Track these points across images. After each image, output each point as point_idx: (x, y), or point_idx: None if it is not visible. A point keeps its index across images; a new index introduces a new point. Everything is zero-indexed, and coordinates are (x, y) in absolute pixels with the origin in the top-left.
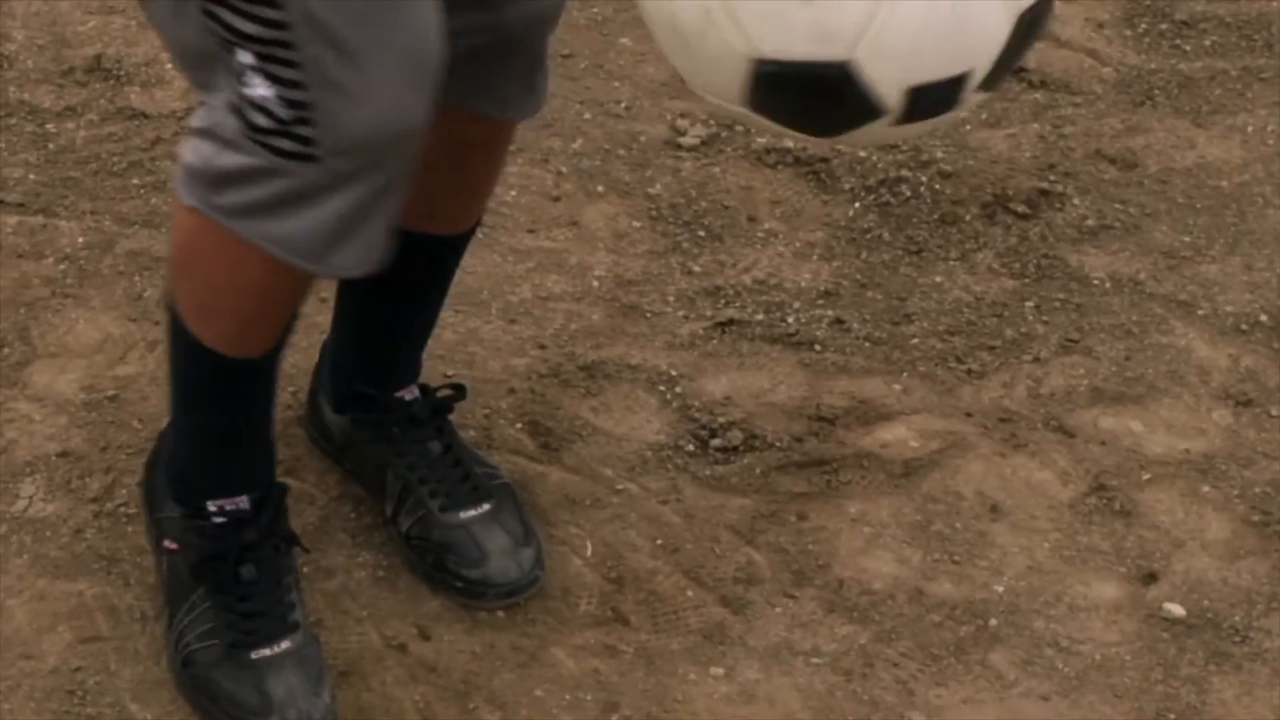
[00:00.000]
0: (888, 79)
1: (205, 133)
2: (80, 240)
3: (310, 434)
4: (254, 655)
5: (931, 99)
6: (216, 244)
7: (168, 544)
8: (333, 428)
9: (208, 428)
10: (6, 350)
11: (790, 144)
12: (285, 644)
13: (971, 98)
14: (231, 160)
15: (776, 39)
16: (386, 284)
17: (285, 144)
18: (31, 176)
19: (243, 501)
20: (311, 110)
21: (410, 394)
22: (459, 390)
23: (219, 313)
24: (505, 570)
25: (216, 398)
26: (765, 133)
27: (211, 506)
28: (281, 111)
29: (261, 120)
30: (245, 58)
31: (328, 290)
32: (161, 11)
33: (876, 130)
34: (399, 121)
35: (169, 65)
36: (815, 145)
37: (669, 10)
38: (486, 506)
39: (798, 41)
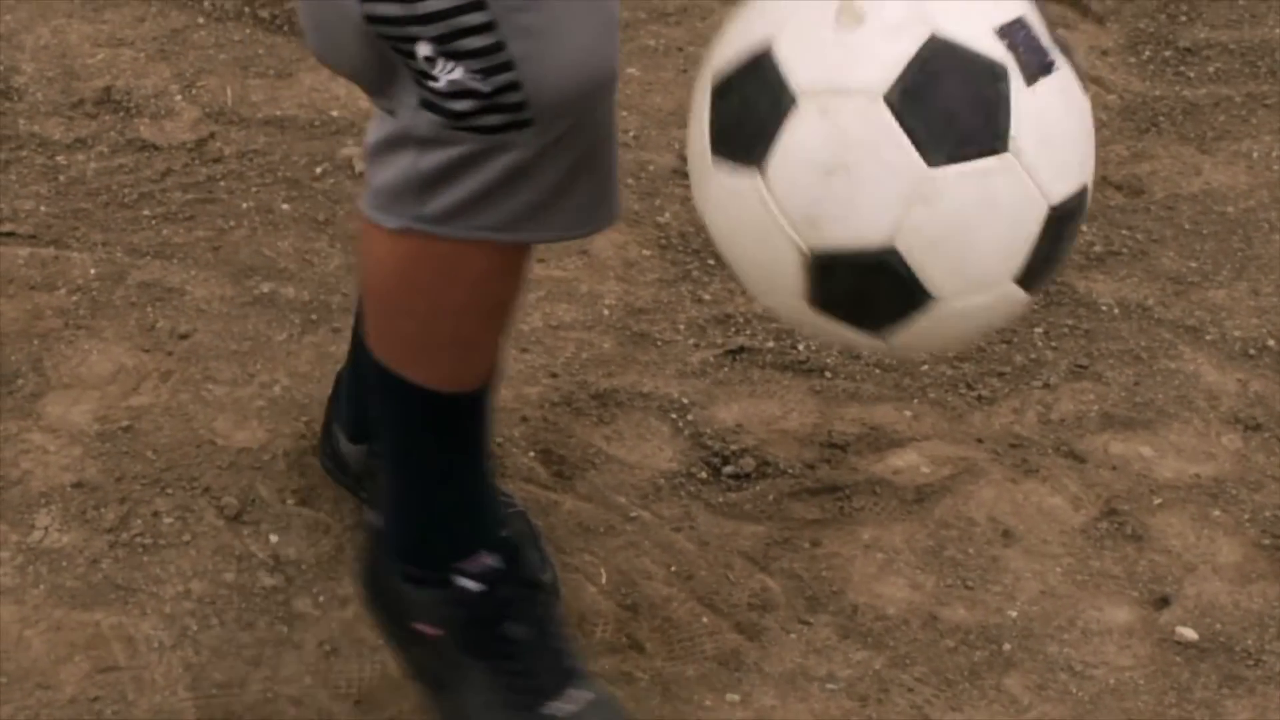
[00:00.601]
0: (975, 23)
1: (397, 141)
2: (92, 271)
3: (325, 464)
4: (551, 712)
5: (1027, 45)
6: (429, 267)
7: (425, 630)
8: (348, 457)
9: (440, 483)
10: (20, 381)
11: None
12: (585, 693)
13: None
14: (436, 158)
15: (870, 72)
16: None
17: (494, 119)
18: (43, 208)
19: (491, 558)
20: (513, 70)
21: None
22: None
23: (437, 346)
24: None
25: (445, 447)
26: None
27: (462, 570)
28: (482, 86)
29: (462, 105)
30: (425, 49)
31: (343, 321)
32: (320, 40)
33: (1022, 101)
34: (596, 65)
35: (179, 97)
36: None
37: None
38: None
39: (877, 43)
